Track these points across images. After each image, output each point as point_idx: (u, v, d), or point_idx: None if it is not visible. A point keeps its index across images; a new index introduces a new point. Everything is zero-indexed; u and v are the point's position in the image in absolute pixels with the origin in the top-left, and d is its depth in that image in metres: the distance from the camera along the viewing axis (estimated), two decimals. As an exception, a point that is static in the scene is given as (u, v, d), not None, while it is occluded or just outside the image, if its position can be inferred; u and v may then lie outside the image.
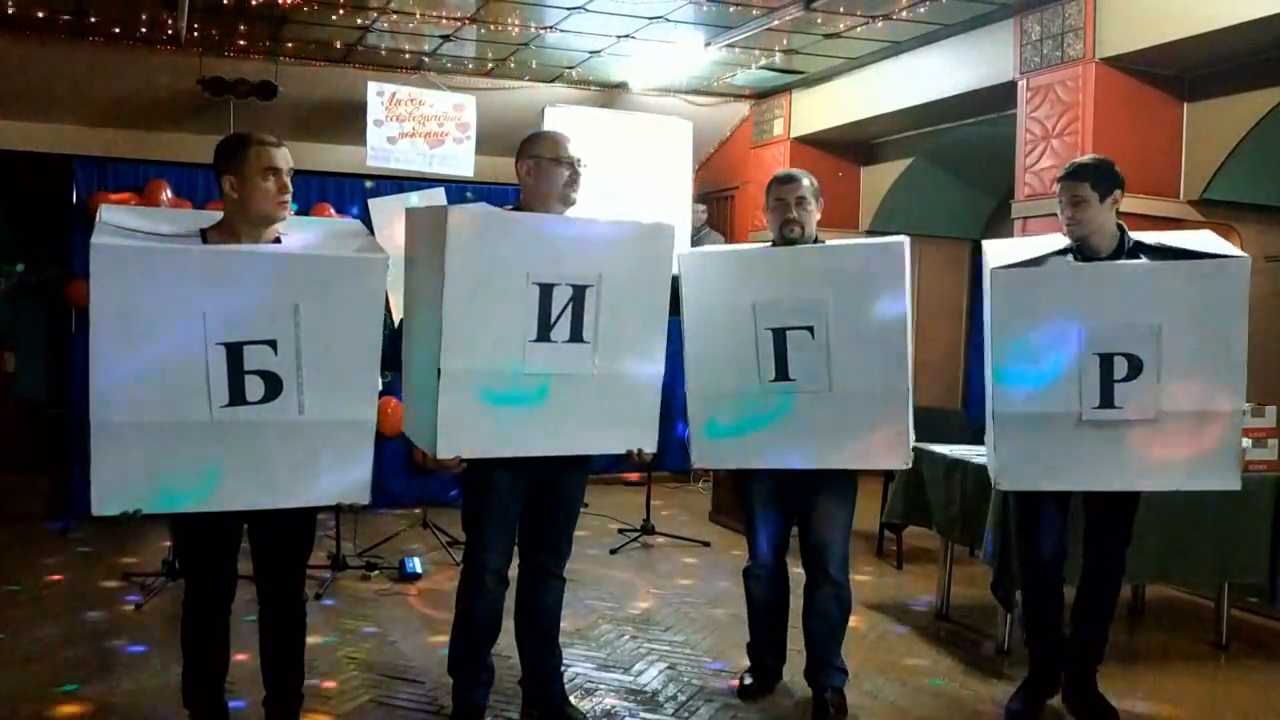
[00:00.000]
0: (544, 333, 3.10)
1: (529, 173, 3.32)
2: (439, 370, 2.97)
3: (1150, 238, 3.55)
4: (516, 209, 3.36)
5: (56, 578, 5.37)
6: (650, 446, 3.36)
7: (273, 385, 2.80)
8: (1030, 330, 3.37)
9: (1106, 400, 3.31)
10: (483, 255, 2.99)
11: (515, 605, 3.52)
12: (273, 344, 2.78)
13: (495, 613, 3.40)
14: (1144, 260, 3.45)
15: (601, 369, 3.20)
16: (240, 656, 3.48)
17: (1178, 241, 3.51)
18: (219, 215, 3.00)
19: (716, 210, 10.00)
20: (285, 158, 2.92)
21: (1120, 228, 3.53)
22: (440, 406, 2.99)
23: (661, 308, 3.31)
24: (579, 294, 3.12)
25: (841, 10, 6.74)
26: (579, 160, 3.33)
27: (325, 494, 2.96)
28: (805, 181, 3.67)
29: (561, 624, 3.62)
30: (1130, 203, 6.27)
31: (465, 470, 3.20)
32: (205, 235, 2.94)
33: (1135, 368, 3.29)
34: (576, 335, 3.15)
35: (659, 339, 3.32)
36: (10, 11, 6.90)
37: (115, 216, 2.87)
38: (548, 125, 8.45)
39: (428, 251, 3.14)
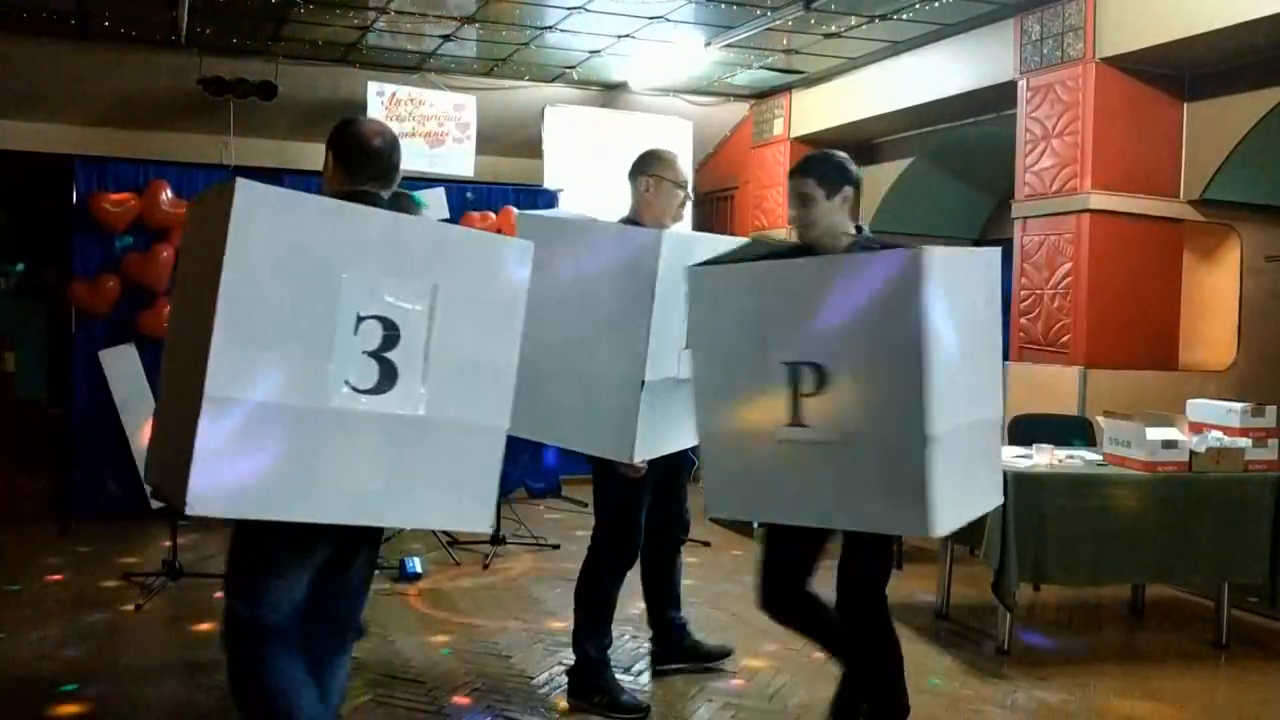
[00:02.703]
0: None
1: (648, 189, 3.70)
2: (642, 381, 3.26)
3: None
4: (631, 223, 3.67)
5: (56, 578, 5.37)
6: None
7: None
8: (721, 335, 3.01)
9: (795, 418, 2.84)
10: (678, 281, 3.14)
11: (644, 577, 4.11)
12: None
13: None
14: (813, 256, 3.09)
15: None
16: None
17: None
18: None
19: (717, 210, 10.01)
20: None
21: (859, 230, 3.15)
22: (641, 415, 3.24)
23: None
24: None
25: (841, 10, 6.74)
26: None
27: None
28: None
29: (562, 624, 3.64)
30: (1130, 202, 6.33)
31: (613, 471, 3.59)
32: None
33: (821, 379, 2.77)
34: None
35: None
36: (10, 11, 6.90)
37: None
38: (548, 125, 8.46)
39: (612, 264, 3.38)
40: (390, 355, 2.40)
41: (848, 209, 3.12)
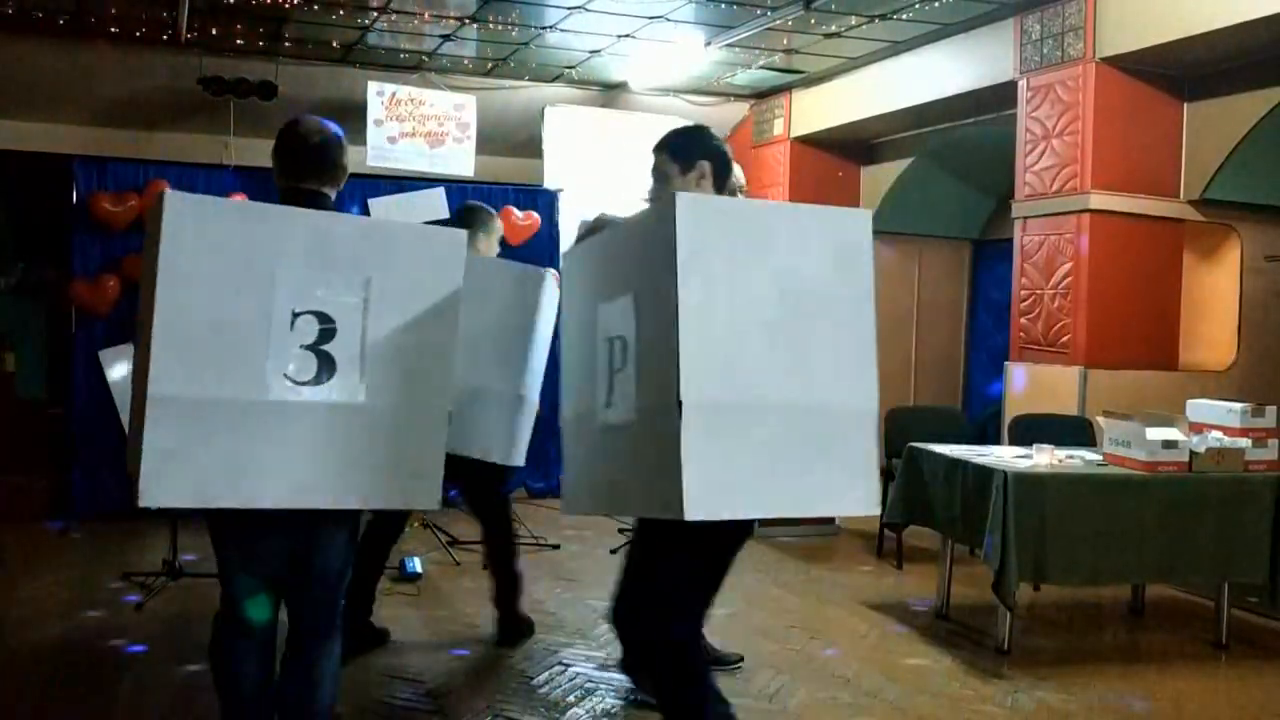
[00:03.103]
0: None
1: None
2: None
3: None
4: None
5: (56, 578, 5.37)
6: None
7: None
8: (569, 320, 2.91)
9: (610, 398, 2.64)
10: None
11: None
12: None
13: None
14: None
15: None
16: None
17: None
18: None
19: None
20: None
21: None
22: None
23: None
24: None
25: (841, 10, 6.74)
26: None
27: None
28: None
29: (562, 624, 3.63)
30: (1130, 202, 6.33)
31: None
32: None
33: (625, 352, 2.60)
34: None
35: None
36: (10, 11, 6.90)
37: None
38: (548, 125, 8.47)
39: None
40: (327, 348, 2.55)
41: (708, 185, 2.90)
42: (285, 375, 2.51)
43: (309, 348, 2.54)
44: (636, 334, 2.53)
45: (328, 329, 2.55)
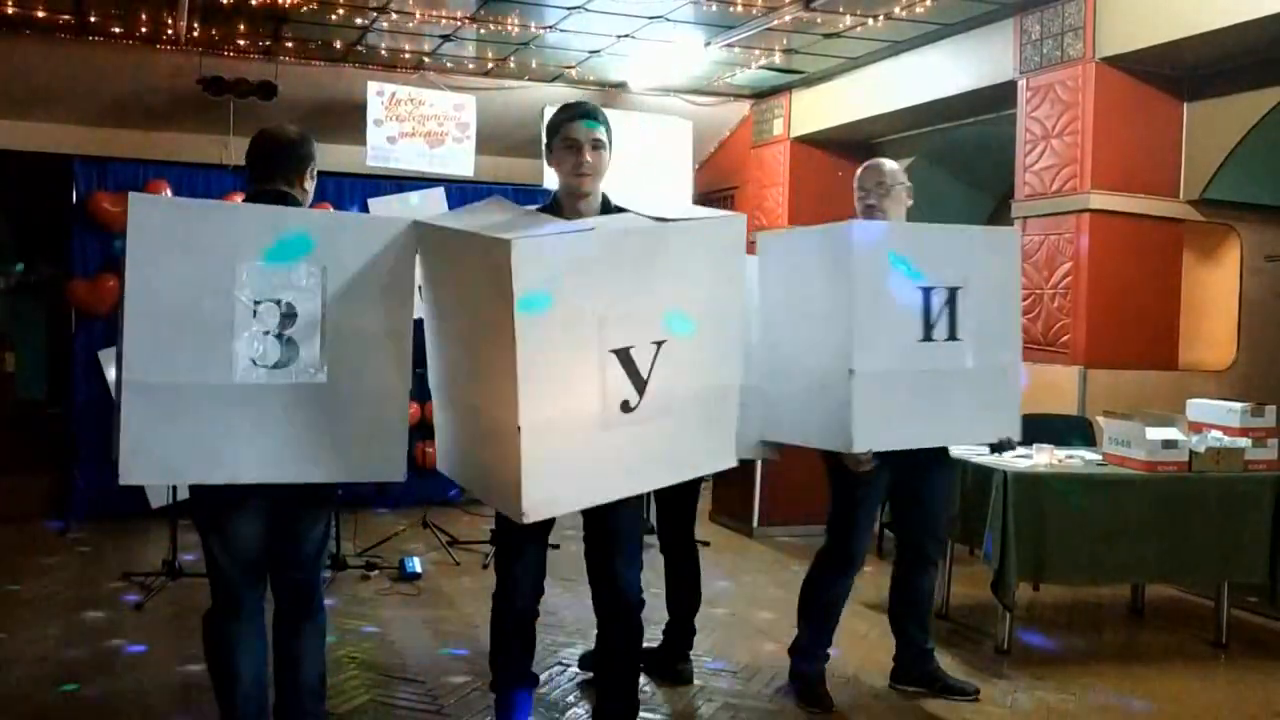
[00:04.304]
0: (927, 333, 3.50)
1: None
2: (850, 370, 3.30)
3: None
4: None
5: (56, 577, 5.37)
6: (1016, 435, 3.73)
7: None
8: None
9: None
10: (880, 265, 3.41)
11: (891, 588, 3.97)
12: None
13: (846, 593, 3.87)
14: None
15: (975, 363, 3.59)
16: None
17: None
18: None
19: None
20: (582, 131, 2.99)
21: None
22: (855, 405, 3.30)
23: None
24: (952, 295, 3.53)
25: (841, 10, 6.74)
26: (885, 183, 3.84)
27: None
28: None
29: (562, 624, 3.62)
30: (1130, 202, 6.32)
31: (838, 464, 3.60)
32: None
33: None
34: (952, 334, 3.54)
35: (1014, 333, 3.74)
36: (10, 11, 6.91)
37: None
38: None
39: (818, 267, 3.53)
40: (289, 332, 2.74)
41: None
42: (250, 359, 2.70)
43: (271, 333, 2.72)
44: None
45: (288, 315, 2.73)
